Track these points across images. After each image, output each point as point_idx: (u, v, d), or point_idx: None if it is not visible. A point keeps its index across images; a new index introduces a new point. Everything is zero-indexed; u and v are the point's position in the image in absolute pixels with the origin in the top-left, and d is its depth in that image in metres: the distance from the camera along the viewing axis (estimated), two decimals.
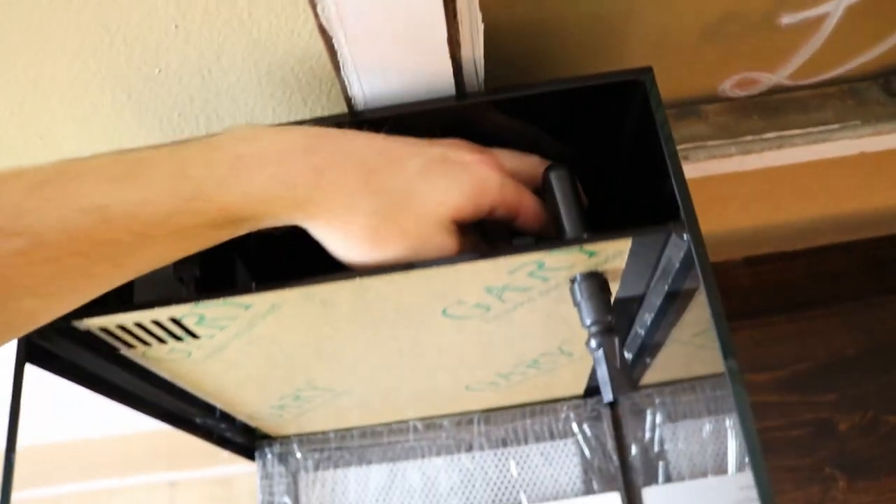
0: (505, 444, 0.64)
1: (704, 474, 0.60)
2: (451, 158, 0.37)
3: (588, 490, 0.62)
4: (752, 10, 0.42)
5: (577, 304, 0.40)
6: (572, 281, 0.40)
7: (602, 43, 0.45)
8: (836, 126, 0.51)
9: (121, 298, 0.40)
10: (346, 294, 0.38)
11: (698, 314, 0.48)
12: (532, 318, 0.45)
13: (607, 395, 0.38)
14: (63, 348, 0.41)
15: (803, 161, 0.53)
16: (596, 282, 0.39)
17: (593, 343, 0.39)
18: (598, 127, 0.43)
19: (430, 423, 0.64)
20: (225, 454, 0.62)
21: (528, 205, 0.39)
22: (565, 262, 0.38)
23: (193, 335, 0.41)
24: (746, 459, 0.59)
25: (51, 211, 0.28)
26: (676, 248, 0.39)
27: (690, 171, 0.52)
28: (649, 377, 0.61)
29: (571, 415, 0.63)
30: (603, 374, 0.38)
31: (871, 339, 0.66)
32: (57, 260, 0.29)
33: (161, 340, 0.41)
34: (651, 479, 0.61)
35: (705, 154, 0.51)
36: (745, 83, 0.47)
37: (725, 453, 0.59)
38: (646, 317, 0.47)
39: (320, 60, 0.45)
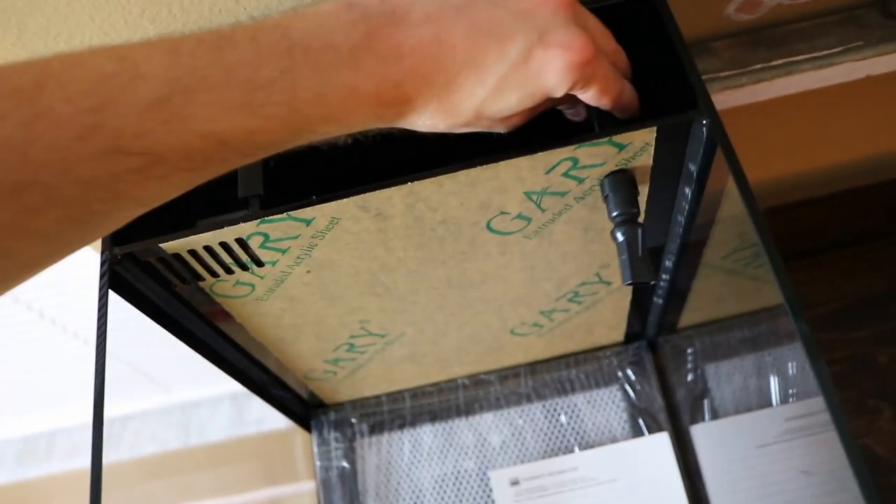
0: (552, 395, 0.66)
1: (749, 408, 0.62)
2: (536, 58, 0.34)
3: (637, 433, 0.63)
4: None
5: (605, 199, 0.43)
6: (601, 180, 0.43)
7: None
8: (839, 49, 0.54)
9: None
10: (399, 203, 0.41)
11: (726, 232, 0.51)
12: (570, 233, 0.47)
13: (626, 279, 0.41)
14: (141, 281, 0.44)
15: (813, 88, 0.56)
16: (623, 177, 0.42)
17: (618, 232, 0.42)
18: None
19: (478, 380, 0.67)
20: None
21: (604, 83, 0.36)
22: (597, 159, 0.41)
23: (258, 261, 0.44)
24: (790, 391, 0.61)
25: (169, 134, 0.29)
26: (699, 141, 0.42)
27: None
28: (686, 318, 0.64)
29: (614, 361, 0.65)
30: (624, 260, 0.41)
31: None
32: (169, 176, 0.31)
33: (228, 270, 0.44)
34: (697, 417, 0.62)
35: (719, 86, 0.55)
36: (749, 6, 0.51)
37: (769, 387, 0.60)
38: (678, 227, 0.50)
39: None
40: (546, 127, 0.41)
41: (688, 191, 0.46)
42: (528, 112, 0.37)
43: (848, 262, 0.70)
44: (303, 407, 0.67)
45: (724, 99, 0.56)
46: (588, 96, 0.37)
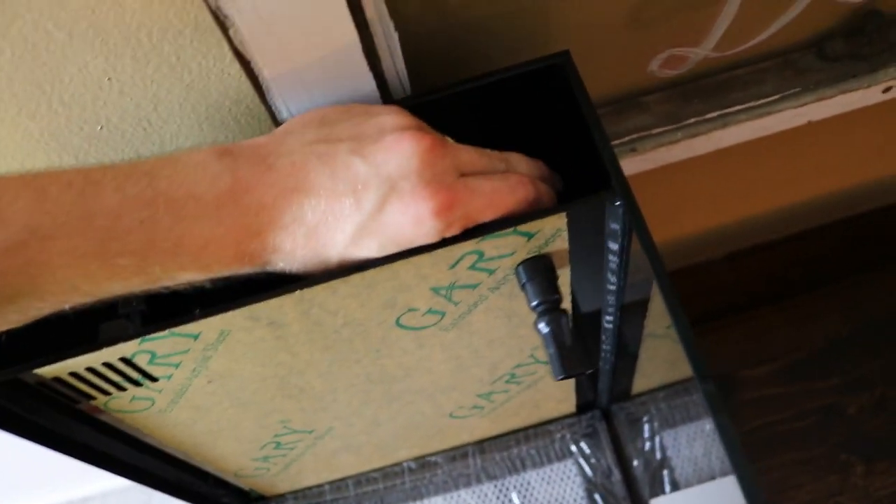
0: (503, 473, 0.62)
1: (712, 477, 0.58)
2: (389, 208, 0.33)
3: None
4: None
5: (522, 288, 0.39)
6: (516, 268, 0.39)
7: (524, 43, 0.46)
8: (776, 97, 0.51)
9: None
10: (292, 311, 0.38)
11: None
12: (491, 322, 0.44)
13: (557, 373, 0.38)
14: (24, 406, 0.40)
15: (753, 139, 0.53)
16: (540, 263, 0.39)
17: (541, 324, 0.38)
18: (532, 115, 0.44)
19: (424, 462, 0.63)
20: None
21: (489, 208, 0.35)
22: (505, 250, 0.38)
23: (150, 377, 0.40)
24: None
25: (21, 278, 0.30)
26: (615, 219, 0.38)
27: (641, 162, 0.53)
28: (639, 384, 0.60)
29: (567, 434, 0.62)
30: (553, 354, 0.38)
31: (863, 317, 0.64)
32: (24, 311, 0.32)
33: (119, 387, 0.41)
34: (658, 490, 0.58)
35: (652, 143, 0.51)
36: (673, 61, 0.48)
37: None
38: (610, 307, 0.46)
39: (255, 99, 0.46)
40: None
41: (613, 266, 0.42)
42: None
43: (810, 307, 0.67)
44: (243, 501, 0.63)
45: (659, 156, 0.52)
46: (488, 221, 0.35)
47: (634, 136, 0.51)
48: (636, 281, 0.47)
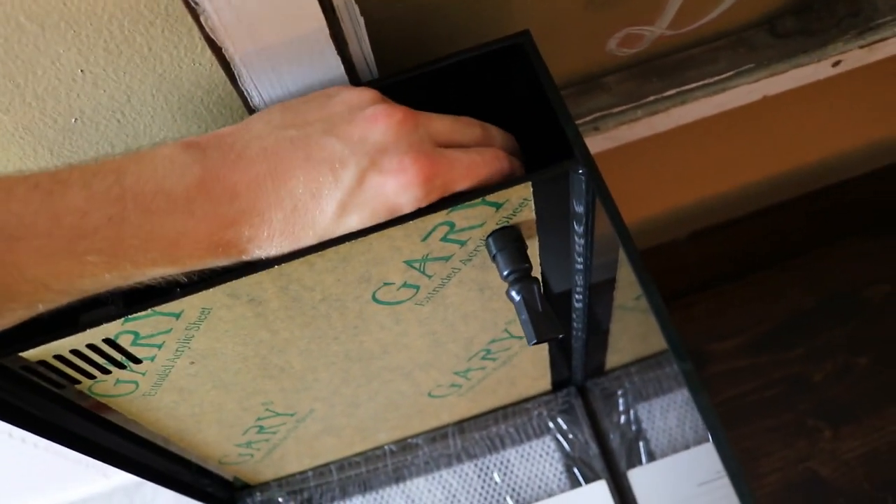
0: (483, 452, 0.63)
1: (686, 446, 0.60)
2: (370, 182, 0.34)
3: (574, 483, 0.61)
4: None
5: (493, 259, 0.41)
6: (486, 239, 0.41)
7: (485, 26, 0.47)
8: (731, 73, 0.53)
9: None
10: (271, 287, 0.39)
11: (631, 274, 0.49)
12: (465, 294, 0.45)
13: (531, 339, 0.39)
14: (9, 392, 0.41)
15: (711, 115, 0.55)
16: (509, 234, 0.40)
17: (512, 291, 0.39)
18: (495, 95, 0.45)
19: (405, 444, 0.64)
20: None
21: (466, 178, 0.36)
22: (475, 220, 0.39)
23: (133, 358, 0.41)
24: None
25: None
26: (579, 190, 0.40)
27: (603, 140, 0.54)
28: (612, 360, 0.62)
29: (544, 411, 0.63)
30: (525, 320, 0.39)
31: (824, 289, 0.66)
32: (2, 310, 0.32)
33: (103, 370, 0.42)
34: (635, 461, 0.60)
35: (614, 121, 0.53)
36: (630, 40, 0.50)
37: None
38: (578, 274, 0.48)
39: (226, 87, 0.47)
40: None
41: (579, 240, 0.44)
42: None
43: (775, 281, 0.69)
44: (227, 491, 0.64)
45: (620, 134, 0.54)
46: (464, 190, 0.36)
47: (597, 114, 0.53)
48: (602, 262, 0.49)
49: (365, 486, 0.63)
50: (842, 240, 0.69)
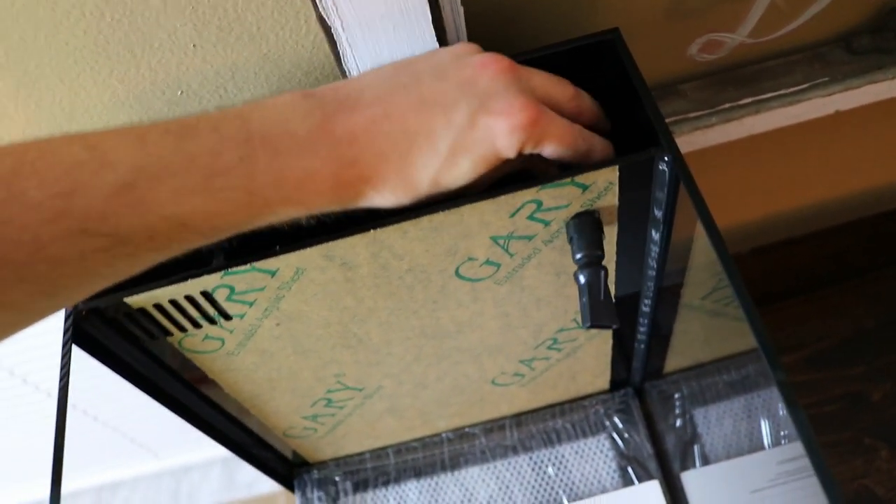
0: (539, 446, 0.64)
1: (740, 453, 0.60)
2: (480, 122, 0.36)
3: (627, 482, 0.61)
4: None
5: (569, 241, 0.42)
6: (566, 223, 0.43)
7: (569, 26, 0.50)
8: (806, 85, 0.54)
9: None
10: (363, 251, 0.41)
11: (702, 271, 0.50)
12: (541, 277, 0.47)
13: (586, 321, 0.40)
14: (108, 337, 0.43)
15: (784, 126, 0.56)
16: (588, 219, 0.42)
17: (580, 274, 0.41)
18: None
19: (463, 434, 0.65)
20: None
21: (558, 137, 0.37)
22: (562, 200, 0.41)
23: (225, 314, 0.44)
24: (782, 433, 0.60)
25: (134, 217, 0.32)
26: (662, 180, 0.41)
27: (679, 144, 0.56)
28: (672, 363, 0.62)
29: (601, 409, 0.64)
30: (584, 303, 0.40)
31: (887, 309, 0.67)
32: (134, 255, 0.33)
33: (195, 324, 0.44)
34: (688, 463, 0.60)
35: (689, 126, 0.55)
36: (711, 46, 0.51)
37: (759, 430, 0.59)
38: (650, 270, 0.49)
39: (324, 71, 0.50)
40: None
41: (656, 232, 0.45)
42: (487, 179, 0.38)
43: (837, 299, 0.69)
44: (286, 467, 0.65)
45: (695, 139, 0.56)
46: (548, 153, 0.38)
47: (672, 119, 0.55)
48: (672, 269, 0.50)
49: (420, 472, 0.65)
50: None
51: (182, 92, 0.49)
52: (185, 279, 0.40)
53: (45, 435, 0.90)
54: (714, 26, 0.50)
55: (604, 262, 0.42)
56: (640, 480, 0.61)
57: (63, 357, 0.41)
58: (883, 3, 0.53)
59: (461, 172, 0.36)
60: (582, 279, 0.41)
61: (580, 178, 0.40)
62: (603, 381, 0.63)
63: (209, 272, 0.40)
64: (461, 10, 0.45)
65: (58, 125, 0.49)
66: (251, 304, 0.43)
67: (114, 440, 0.91)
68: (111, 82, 0.47)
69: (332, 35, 0.43)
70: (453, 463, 0.65)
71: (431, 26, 0.44)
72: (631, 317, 0.56)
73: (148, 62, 0.47)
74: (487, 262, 0.44)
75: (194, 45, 0.46)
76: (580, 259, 0.42)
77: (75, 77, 0.46)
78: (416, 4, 0.42)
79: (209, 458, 0.99)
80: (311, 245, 0.40)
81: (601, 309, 0.40)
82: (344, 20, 0.42)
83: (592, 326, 0.41)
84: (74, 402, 0.89)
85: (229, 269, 0.40)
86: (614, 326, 0.42)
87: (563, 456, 0.63)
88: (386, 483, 0.65)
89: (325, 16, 0.42)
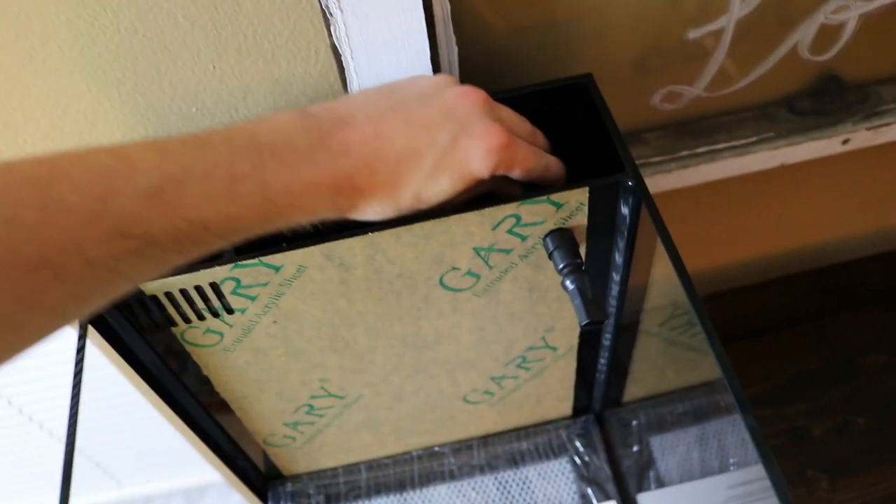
0: (504, 467, 0.68)
1: (693, 477, 0.64)
2: (461, 144, 0.40)
3: (587, 503, 0.65)
4: (668, 38, 0.54)
5: (550, 255, 0.47)
6: (545, 238, 0.48)
7: (546, 72, 0.56)
8: (754, 139, 0.61)
9: None
10: (360, 254, 0.45)
11: (659, 297, 0.55)
12: (516, 293, 0.52)
13: (582, 319, 0.45)
14: (118, 322, 0.47)
15: (734, 175, 0.63)
16: (565, 235, 0.47)
17: (567, 281, 0.46)
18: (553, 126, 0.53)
19: (432, 452, 0.68)
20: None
21: (525, 160, 0.42)
22: (538, 217, 0.46)
23: (228, 308, 0.47)
24: (730, 461, 0.64)
25: (163, 220, 0.34)
26: (626, 203, 0.47)
27: None
28: (630, 392, 0.67)
29: (563, 434, 0.68)
30: (577, 304, 0.45)
31: (830, 353, 0.73)
32: (159, 257, 0.35)
33: (200, 316, 0.48)
34: (644, 486, 0.64)
35: (651, 170, 0.61)
36: (672, 97, 0.58)
37: (711, 456, 0.63)
38: (612, 297, 0.54)
39: (326, 99, 0.55)
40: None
41: (619, 257, 0.51)
42: (461, 199, 0.43)
43: (783, 343, 0.75)
44: (260, 479, 0.68)
45: (655, 182, 0.62)
46: (515, 174, 0.43)
47: (637, 162, 0.61)
48: (630, 309, 0.55)
49: (390, 489, 0.67)
50: (849, 309, 0.76)
51: (196, 109, 0.54)
52: (197, 269, 0.44)
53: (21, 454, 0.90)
54: (675, 80, 0.57)
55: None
56: (598, 501, 0.65)
57: (79, 341, 0.44)
58: (820, 71, 0.60)
59: (441, 188, 0.41)
60: (570, 284, 0.46)
61: (555, 197, 0.45)
62: (566, 407, 0.68)
63: (220, 263, 0.44)
64: (455, 49, 0.51)
65: (79, 132, 0.53)
66: (253, 300, 0.47)
67: (78, 463, 0.91)
68: (134, 95, 0.52)
69: (342, 63, 0.49)
70: (422, 480, 0.68)
71: (430, 63, 0.49)
72: (593, 347, 0.61)
73: (170, 79, 0.51)
74: (469, 272, 0.49)
75: (214, 66, 0.51)
76: (564, 268, 0.46)
77: (102, 88, 0.51)
78: (417, 39, 0.48)
79: (171, 488, 1.00)
80: (313, 244, 0.44)
81: (592, 307, 0.45)
82: (353, 48, 0.48)
83: (589, 324, 0.45)
84: (41, 421, 0.90)
85: (239, 262, 0.44)
86: (605, 320, 0.46)
87: (527, 477, 0.67)
88: (357, 498, 0.67)
89: (337, 45, 0.48)
